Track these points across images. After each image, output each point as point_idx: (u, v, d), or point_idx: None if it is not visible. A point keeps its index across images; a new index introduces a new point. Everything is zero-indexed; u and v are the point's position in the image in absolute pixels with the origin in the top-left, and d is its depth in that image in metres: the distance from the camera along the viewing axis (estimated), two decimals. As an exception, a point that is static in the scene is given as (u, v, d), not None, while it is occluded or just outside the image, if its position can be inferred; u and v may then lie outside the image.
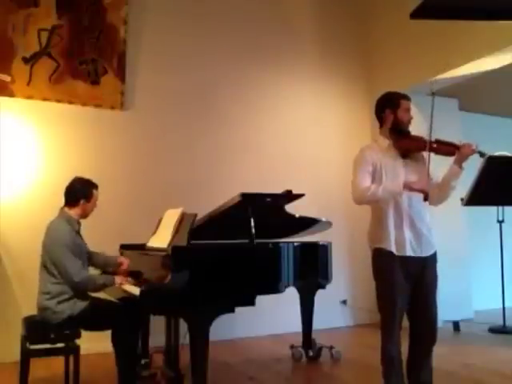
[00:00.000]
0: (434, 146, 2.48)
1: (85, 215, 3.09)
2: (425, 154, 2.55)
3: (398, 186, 2.43)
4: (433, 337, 2.49)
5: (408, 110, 2.61)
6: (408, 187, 2.42)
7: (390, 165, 2.54)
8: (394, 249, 2.48)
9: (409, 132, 2.60)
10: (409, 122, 2.61)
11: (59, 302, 2.83)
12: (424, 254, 2.51)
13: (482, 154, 2.42)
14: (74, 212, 3.03)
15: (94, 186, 3.10)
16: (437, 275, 2.55)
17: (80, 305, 2.87)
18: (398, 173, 2.52)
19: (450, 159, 2.53)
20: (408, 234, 2.48)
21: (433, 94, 2.49)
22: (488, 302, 5.80)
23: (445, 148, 2.51)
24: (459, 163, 2.48)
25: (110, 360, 2.96)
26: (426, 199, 2.41)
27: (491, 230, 5.31)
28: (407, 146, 2.56)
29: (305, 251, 3.41)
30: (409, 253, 2.48)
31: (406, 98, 2.63)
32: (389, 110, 2.60)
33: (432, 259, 2.54)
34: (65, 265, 2.82)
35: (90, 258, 3.20)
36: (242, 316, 3.34)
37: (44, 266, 2.92)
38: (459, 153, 2.46)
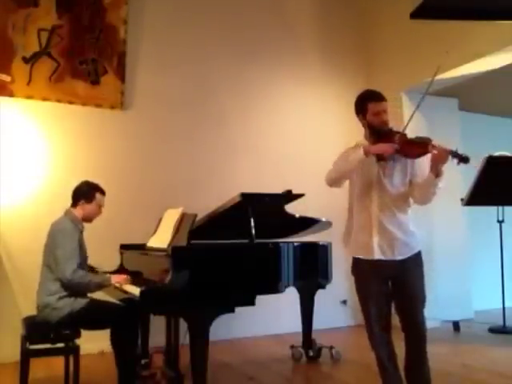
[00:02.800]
0: (402, 149, 2.31)
1: (87, 218, 3.11)
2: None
3: (359, 153, 2.34)
4: (421, 337, 2.43)
5: (378, 112, 2.41)
6: (368, 152, 2.33)
7: (363, 167, 2.44)
8: (360, 252, 2.48)
9: (388, 132, 2.40)
10: (382, 123, 2.41)
11: (60, 298, 2.83)
12: (399, 257, 2.41)
13: (462, 159, 2.17)
14: (76, 212, 3.06)
15: (99, 190, 3.13)
16: (421, 276, 2.46)
17: (80, 302, 2.87)
18: (370, 176, 2.44)
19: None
20: (376, 237, 2.42)
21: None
22: (488, 301, 5.79)
23: (414, 151, 2.31)
24: (434, 171, 2.29)
25: (110, 360, 2.96)
26: (380, 159, 2.32)
27: (491, 229, 5.30)
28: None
29: (305, 251, 3.41)
30: (378, 256, 2.41)
31: (374, 99, 2.43)
32: (360, 116, 2.50)
33: (412, 261, 2.44)
34: (62, 260, 2.82)
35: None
36: (242, 316, 3.34)
37: (46, 266, 2.92)
38: (432, 159, 2.26)
